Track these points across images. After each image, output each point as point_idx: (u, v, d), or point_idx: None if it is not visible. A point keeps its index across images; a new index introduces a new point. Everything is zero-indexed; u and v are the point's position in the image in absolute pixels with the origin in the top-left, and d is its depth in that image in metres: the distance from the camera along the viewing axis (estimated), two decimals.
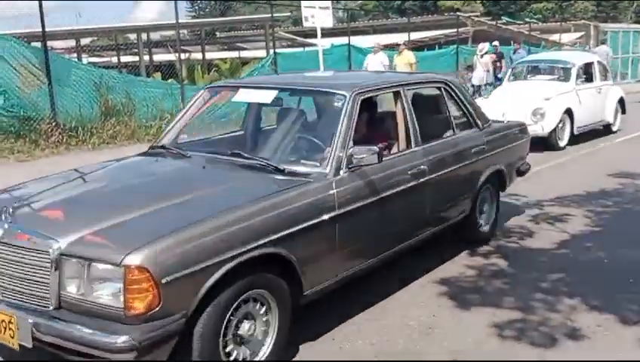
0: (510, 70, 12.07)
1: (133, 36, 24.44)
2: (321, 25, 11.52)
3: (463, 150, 4.71)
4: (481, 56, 16.42)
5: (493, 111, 7.99)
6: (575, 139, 10.41)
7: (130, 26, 20.98)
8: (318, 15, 11.42)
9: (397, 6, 71.97)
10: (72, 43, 21.90)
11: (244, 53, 27.33)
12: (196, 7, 70.73)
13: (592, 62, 11.32)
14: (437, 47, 23.67)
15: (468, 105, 5.02)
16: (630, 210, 6.36)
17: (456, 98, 4.92)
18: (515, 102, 9.63)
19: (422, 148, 4.26)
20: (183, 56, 14.94)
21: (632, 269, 4.60)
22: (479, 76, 16.34)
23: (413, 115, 4.30)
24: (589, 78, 11.04)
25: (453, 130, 4.79)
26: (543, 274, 4.53)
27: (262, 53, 21.30)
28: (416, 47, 20.94)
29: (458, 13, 32.36)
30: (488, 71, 16.41)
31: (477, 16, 32.50)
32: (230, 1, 66.50)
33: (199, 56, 21.91)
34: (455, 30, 22.06)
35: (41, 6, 9.91)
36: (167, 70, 15.76)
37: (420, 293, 4.26)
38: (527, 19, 34.46)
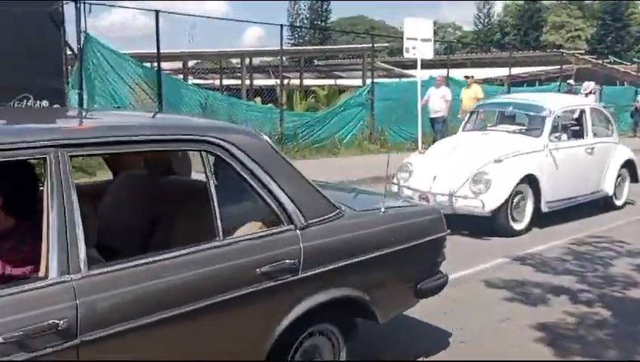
0: (468, 115, 8.95)
1: (235, 60, 25.49)
2: (421, 56, 11.57)
3: (234, 270, 2.57)
4: (586, 95, 15.86)
5: (424, 173, 7.20)
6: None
7: (235, 51, 21.87)
8: (419, 47, 11.48)
9: (497, 40, 71.18)
10: (178, 64, 23.12)
11: (340, 81, 27.74)
12: (296, 35, 72.88)
13: (583, 110, 8.40)
14: (537, 83, 23.05)
15: (269, 184, 2.77)
16: None
17: (239, 171, 2.70)
18: (454, 163, 7.18)
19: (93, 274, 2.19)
20: (283, 81, 15.38)
21: None
22: None
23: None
24: (578, 132, 8.24)
25: (220, 232, 2.57)
26: None
27: (358, 81, 21.60)
28: (516, 82, 20.52)
29: (562, 50, 31.44)
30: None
31: (581, 53, 31.45)
32: (331, 31, 68.18)
33: (297, 82, 22.55)
34: (558, 67, 21.43)
35: (157, 28, 10.56)
36: (267, 94, 16.27)
37: (516, 337, 4.12)
38: (636, 60, 32.97)
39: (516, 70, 21.34)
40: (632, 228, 7.60)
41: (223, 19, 35.51)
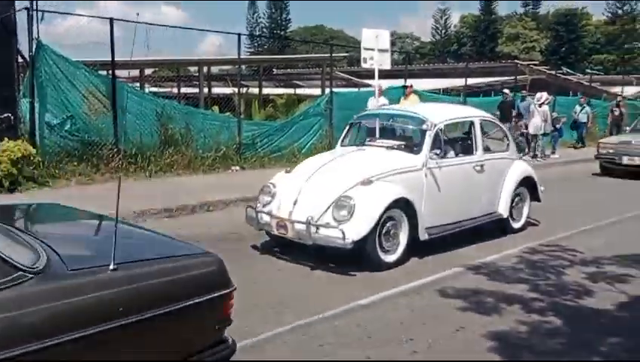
0: (347, 127, 7.77)
1: (193, 68, 25.26)
2: (379, 67, 11.64)
3: None
4: (540, 105, 16.22)
5: (286, 196, 6.21)
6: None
7: (192, 60, 21.66)
8: (377, 57, 11.55)
9: (454, 50, 72.46)
10: (134, 72, 22.77)
11: (300, 91, 27.77)
12: (255, 44, 72.74)
13: (472, 122, 7.33)
14: (493, 93, 23.52)
15: None
16: None
17: None
18: (318, 185, 6.16)
19: None
20: (241, 90, 15.29)
21: None
22: (536, 125, 16.10)
23: None
24: (467, 147, 7.27)
25: None
26: (600, 337, 4.35)
27: (317, 91, 21.65)
28: (472, 92, 20.88)
29: (516, 60, 32.18)
30: (546, 120, 16.16)
31: (535, 64, 32.25)
32: (290, 40, 68.28)
33: (256, 90, 22.46)
34: (513, 78, 21.89)
35: (112, 36, 10.37)
36: (225, 103, 16.14)
37: (469, 347, 4.14)
38: (588, 70, 33.99)
39: (472, 80, 21.71)
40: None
41: (180, 27, 35.00)
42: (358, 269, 5.82)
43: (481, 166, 7.12)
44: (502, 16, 74.98)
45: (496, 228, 7.48)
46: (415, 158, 6.53)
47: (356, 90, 20.27)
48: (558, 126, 17.59)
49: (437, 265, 6.13)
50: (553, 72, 26.86)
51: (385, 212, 5.88)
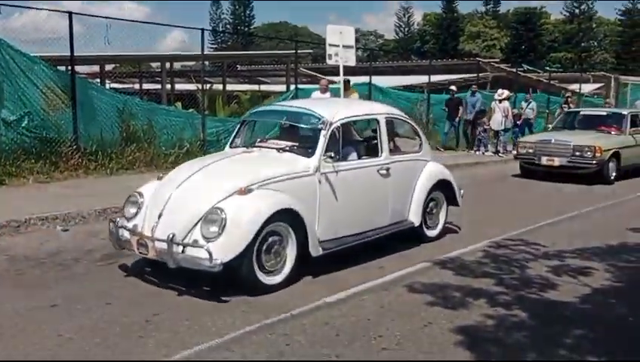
0: (238, 125, 6.87)
1: (155, 64, 24.85)
2: (344, 63, 11.62)
3: None
4: (500, 101, 16.47)
5: (151, 208, 5.20)
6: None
7: (155, 55, 21.29)
8: (341, 54, 11.53)
9: (417, 48, 73.13)
10: (95, 68, 22.26)
11: (264, 87, 27.61)
12: (219, 40, 72.11)
13: (377, 120, 6.48)
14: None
15: None
16: None
17: None
18: (188, 195, 5.19)
19: None
20: (205, 86, 15.08)
21: None
22: (497, 120, 16.40)
23: None
24: (371, 148, 6.50)
25: None
26: (566, 329, 4.41)
27: (281, 87, 21.56)
28: (436, 89, 21.07)
29: (478, 58, 32.63)
30: (507, 116, 16.43)
31: (496, 62, 32.77)
32: (254, 36, 67.83)
33: (220, 87, 22.23)
34: (475, 75, 22.16)
35: (71, 30, 10.09)
36: (189, 99, 15.91)
37: (437, 342, 4.15)
38: (547, 68, 34.66)
39: (436, 78, 21.89)
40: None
41: (142, 22, 34.44)
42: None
43: (387, 169, 6.31)
44: (463, 15, 76.05)
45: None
46: (307, 162, 5.62)
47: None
48: (519, 122, 17.89)
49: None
50: (514, 70, 27.26)
51: (264, 226, 4.94)
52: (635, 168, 13.24)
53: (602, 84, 31.41)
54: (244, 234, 4.84)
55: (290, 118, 6.40)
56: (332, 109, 6.21)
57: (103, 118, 10.86)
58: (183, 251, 4.87)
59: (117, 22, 11.37)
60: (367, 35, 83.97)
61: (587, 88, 29.71)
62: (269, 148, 6.10)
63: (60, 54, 11.37)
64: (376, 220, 6.32)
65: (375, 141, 6.48)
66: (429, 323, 4.44)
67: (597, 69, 51.14)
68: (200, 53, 13.34)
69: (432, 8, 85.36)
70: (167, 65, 21.41)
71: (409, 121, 7.34)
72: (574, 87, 27.98)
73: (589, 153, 12.18)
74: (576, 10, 71.20)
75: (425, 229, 6.96)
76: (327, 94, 12.02)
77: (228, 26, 75.35)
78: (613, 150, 12.54)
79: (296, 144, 6.03)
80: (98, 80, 20.05)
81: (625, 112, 14.20)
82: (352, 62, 12.02)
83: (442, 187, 7.13)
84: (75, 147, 10.08)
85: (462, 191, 7.49)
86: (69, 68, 10.80)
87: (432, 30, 75.09)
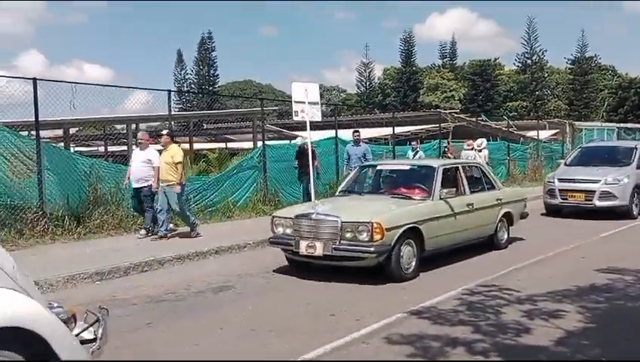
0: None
1: (120, 126, 24.83)
2: (310, 119, 11.84)
3: None
4: (480, 150, 16.84)
5: None
6: None
7: (120, 117, 21.30)
8: (307, 110, 11.75)
9: (379, 101, 74.79)
10: (58, 132, 22.15)
11: (231, 144, 27.80)
12: (183, 100, 72.60)
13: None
14: (419, 141, 24.33)
15: None
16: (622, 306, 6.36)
17: None
18: None
19: None
20: None
21: None
22: None
23: None
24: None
25: None
26: None
27: (248, 144, 21.75)
28: (400, 140, 21.53)
29: (439, 109, 33.55)
30: (488, 164, 16.83)
31: (456, 112, 33.74)
32: (220, 95, 68.49)
33: (187, 146, 22.28)
34: (437, 125, 22.75)
35: (35, 96, 10.06)
36: None
37: None
38: (505, 117, 35.80)
39: (399, 129, 22.42)
40: None
41: (108, 85, 34.25)
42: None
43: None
44: (422, 68, 78.41)
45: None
46: None
47: (288, 141, 20.49)
48: None
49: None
50: (473, 119, 28.14)
51: None
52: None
53: (558, 130, 32.54)
54: None
55: None
56: None
57: (70, 182, 10.75)
58: None
59: (81, 85, 11.38)
60: (330, 90, 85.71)
61: (544, 135, 30.74)
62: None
63: (23, 120, 11.34)
64: None
65: None
66: None
67: (552, 115, 53.05)
68: (166, 113, 13.44)
69: (391, 62, 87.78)
70: (133, 126, 21.45)
71: None
72: (532, 133, 28.94)
73: (364, 234, 7.25)
74: (528, 61, 74.18)
75: None
76: (148, 152, 10.75)
77: (192, 86, 76.04)
78: (407, 226, 7.55)
79: None
80: (62, 143, 19.93)
81: (435, 165, 8.97)
82: (318, 118, 12.27)
83: None
84: (40, 213, 9.92)
85: None
86: (33, 133, 10.71)
87: (393, 84, 77.09)
